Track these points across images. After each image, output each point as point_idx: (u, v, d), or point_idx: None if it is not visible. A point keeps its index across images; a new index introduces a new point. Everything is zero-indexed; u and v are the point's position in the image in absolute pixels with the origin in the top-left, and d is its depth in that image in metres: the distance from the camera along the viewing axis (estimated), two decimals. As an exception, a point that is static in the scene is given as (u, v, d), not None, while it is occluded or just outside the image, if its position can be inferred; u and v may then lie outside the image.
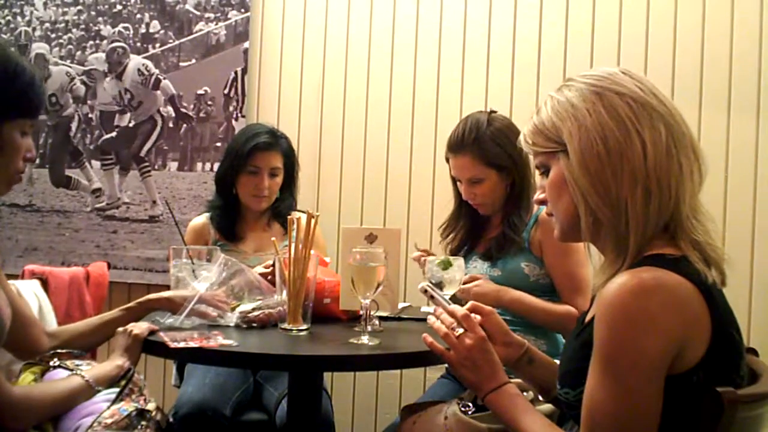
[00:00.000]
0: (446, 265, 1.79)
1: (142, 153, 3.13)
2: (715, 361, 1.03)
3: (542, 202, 1.21)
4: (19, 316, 1.50)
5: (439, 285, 1.78)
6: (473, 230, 2.15)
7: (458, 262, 1.82)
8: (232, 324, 1.68)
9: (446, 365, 2.13)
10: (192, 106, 3.07)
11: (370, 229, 1.81)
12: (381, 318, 1.74)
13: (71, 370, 1.48)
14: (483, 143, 2.01)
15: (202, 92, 3.06)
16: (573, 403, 1.11)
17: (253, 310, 1.71)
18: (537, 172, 1.23)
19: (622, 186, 1.08)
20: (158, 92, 3.11)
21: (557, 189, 1.16)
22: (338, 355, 1.50)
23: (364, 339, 1.54)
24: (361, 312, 1.61)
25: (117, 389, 1.46)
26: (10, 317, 1.37)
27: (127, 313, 1.68)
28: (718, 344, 1.03)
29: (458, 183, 2.10)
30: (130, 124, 3.15)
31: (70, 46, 3.23)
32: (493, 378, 1.21)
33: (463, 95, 2.82)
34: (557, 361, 1.28)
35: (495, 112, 2.10)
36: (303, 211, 1.77)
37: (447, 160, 2.10)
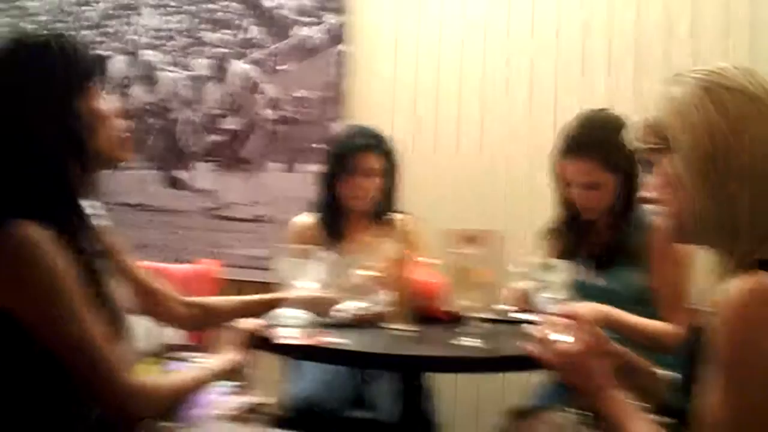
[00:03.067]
0: (550, 268, 1.77)
1: (246, 155, 3.25)
2: None
3: (648, 201, 1.18)
4: (147, 290, 1.59)
5: (543, 289, 1.76)
6: (577, 235, 2.05)
7: (563, 264, 1.79)
8: (338, 322, 1.72)
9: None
10: (292, 109, 3.15)
11: (470, 230, 1.81)
12: (483, 320, 1.75)
13: (189, 362, 1.55)
14: (605, 146, 1.87)
15: (301, 95, 3.14)
16: (683, 412, 1.09)
17: (359, 309, 1.74)
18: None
19: (729, 185, 1.05)
20: (258, 96, 3.21)
21: (664, 187, 1.13)
22: (443, 356, 1.52)
23: (467, 341, 1.55)
24: (462, 314, 1.62)
25: (232, 383, 1.52)
26: (129, 307, 1.43)
27: (259, 302, 1.74)
28: None
29: (567, 186, 1.99)
30: (233, 127, 3.26)
31: (176, 53, 3.37)
32: (599, 383, 1.19)
33: (557, 93, 2.78)
34: (661, 370, 1.25)
35: (605, 110, 1.99)
36: (406, 213, 1.79)
37: (555, 161, 2.00)
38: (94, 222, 1.35)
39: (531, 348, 1.26)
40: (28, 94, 1.23)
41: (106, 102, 1.33)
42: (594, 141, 1.89)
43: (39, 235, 1.18)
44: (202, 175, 3.34)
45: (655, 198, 1.16)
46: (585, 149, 1.90)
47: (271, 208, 3.17)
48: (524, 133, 2.82)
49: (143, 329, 1.98)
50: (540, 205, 2.28)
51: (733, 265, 1.06)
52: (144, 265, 2.00)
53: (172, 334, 2.05)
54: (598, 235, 2.01)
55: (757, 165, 1.05)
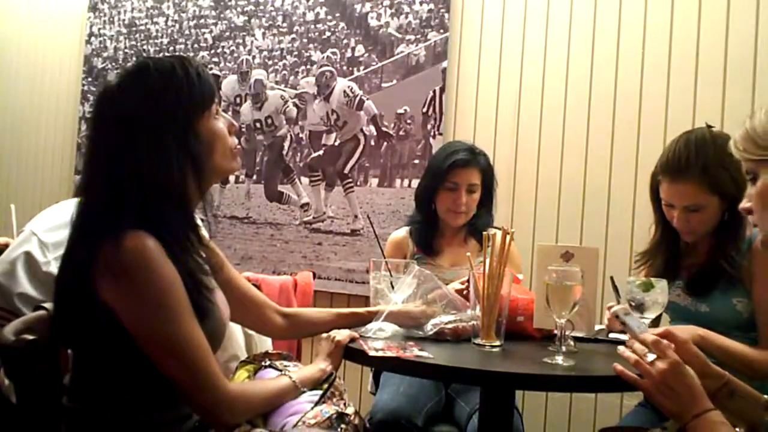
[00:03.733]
0: (647, 287, 1.70)
1: (346, 170, 3.31)
2: None
3: (748, 212, 1.15)
4: (247, 300, 1.64)
5: (640, 308, 1.69)
6: (676, 256, 1.97)
7: (661, 284, 1.71)
8: (426, 336, 1.71)
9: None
10: (392, 125, 3.19)
11: (567, 246, 1.76)
12: (576, 339, 1.69)
13: (280, 370, 1.58)
14: (710, 168, 1.78)
15: (402, 111, 3.17)
16: None
17: (448, 323, 1.73)
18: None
19: None
20: (362, 112, 3.27)
21: (764, 199, 1.11)
22: (532, 373, 1.47)
23: (559, 359, 1.50)
24: (555, 331, 1.57)
25: (320, 391, 1.53)
26: (229, 317, 1.49)
27: (352, 315, 1.77)
28: None
29: (667, 207, 1.91)
30: (336, 143, 3.34)
31: (285, 72, 3.49)
32: (693, 404, 1.14)
33: (668, 107, 2.67)
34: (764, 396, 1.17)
35: (712, 127, 1.89)
36: (499, 228, 1.77)
37: (656, 181, 1.92)
38: (203, 234, 1.42)
39: (622, 368, 1.22)
40: (155, 113, 1.31)
41: (222, 120, 1.41)
42: (697, 162, 1.80)
43: (151, 245, 1.24)
44: (304, 189, 3.43)
45: (753, 209, 1.13)
46: (687, 171, 1.81)
47: (369, 222, 3.20)
48: (630, 149, 2.73)
49: (241, 337, 2.05)
50: (640, 224, 2.20)
51: None
52: (245, 276, 2.09)
53: (267, 342, 2.11)
54: (697, 257, 1.92)
55: None
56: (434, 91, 3.10)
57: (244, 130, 3.56)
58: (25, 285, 1.80)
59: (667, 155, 1.90)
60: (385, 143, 3.21)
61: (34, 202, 4.08)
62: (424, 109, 3.12)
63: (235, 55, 3.66)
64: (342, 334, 1.64)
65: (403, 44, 3.20)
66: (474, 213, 2.38)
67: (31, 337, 1.32)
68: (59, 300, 1.34)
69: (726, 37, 2.59)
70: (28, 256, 1.83)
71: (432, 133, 3.09)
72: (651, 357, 1.18)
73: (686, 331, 1.72)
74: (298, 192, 3.42)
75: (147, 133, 1.30)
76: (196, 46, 3.80)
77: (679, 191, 1.85)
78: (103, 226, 1.26)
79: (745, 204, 1.16)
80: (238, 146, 1.47)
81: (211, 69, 3.70)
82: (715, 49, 2.61)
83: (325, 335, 1.66)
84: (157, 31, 3.95)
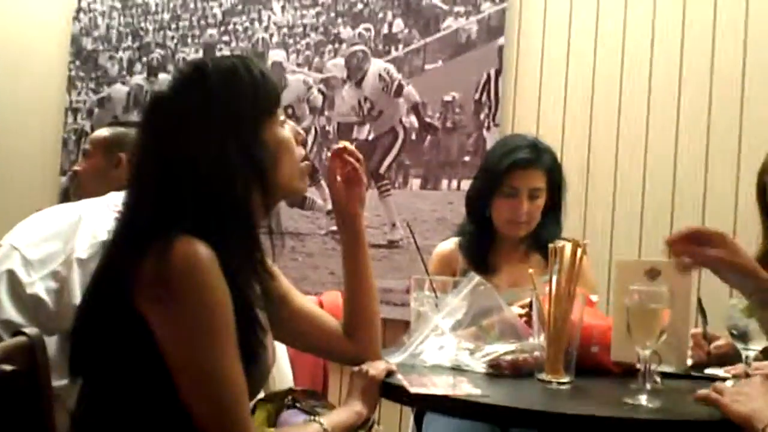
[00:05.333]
0: (752, 313, 1.68)
1: (382, 169, 3.34)
2: None
3: None
4: (318, 329, 1.69)
5: (743, 337, 1.67)
6: None
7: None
8: (479, 369, 1.71)
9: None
10: (438, 115, 3.21)
11: (652, 262, 1.75)
12: (664, 375, 1.68)
13: (308, 412, 1.59)
14: None
15: (450, 98, 3.19)
16: None
17: (505, 353, 1.72)
18: None
19: None
20: (401, 100, 3.30)
21: None
22: (609, 416, 1.46)
23: (642, 399, 1.49)
24: (638, 365, 1.55)
25: None
26: (274, 360, 1.54)
27: None
28: None
29: None
30: (370, 137, 3.37)
31: (308, 52, 3.53)
32: None
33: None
34: None
35: None
36: (568, 239, 1.77)
37: (765, 182, 1.93)
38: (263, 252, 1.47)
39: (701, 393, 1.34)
40: (216, 119, 1.40)
41: (288, 130, 1.49)
42: None
43: (205, 254, 1.29)
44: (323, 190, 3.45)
45: None
46: None
47: (408, 232, 3.21)
48: (731, 144, 2.70)
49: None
50: (743, 236, 2.16)
51: None
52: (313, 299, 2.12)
53: (287, 376, 2.13)
54: None
55: None
56: (488, 74, 3.11)
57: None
58: (8, 309, 1.84)
59: None
60: (429, 137, 3.23)
61: (12, 209, 4.17)
62: (477, 96, 3.13)
63: (249, 32, 3.71)
64: (377, 368, 1.64)
65: (451, 17, 3.22)
66: (538, 222, 2.37)
67: (10, 368, 1.35)
68: (85, 316, 1.39)
69: None
70: (11, 276, 1.87)
71: (486, 125, 3.10)
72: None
73: None
74: (324, 196, 3.45)
75: (207, 141, 1.38)
76: (202, 22, 3.87)
77: None
78: (152, 232, 1.32)
79: None
80: (307, 162, 1.55)
81: (220, 49, 3.76)
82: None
83: (356, 369, 1.67)
84: (156, 5, 4.02)
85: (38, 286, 1.84)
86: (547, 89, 3.02)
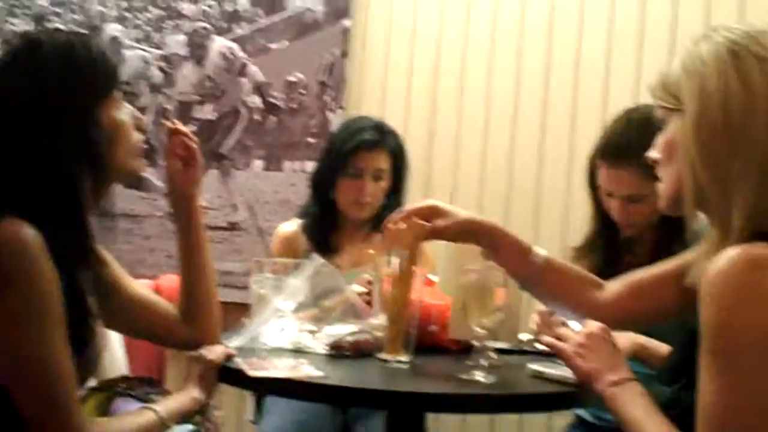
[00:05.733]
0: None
1: (223, 150, 3.26)
2: None
3: (654, 162, 1.29)
4: (154, 314, 1.65)
5: None
6: (615, 253, 2.05)
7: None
8: (320, 351, 1.70)
9: (575, 411, 2.10)
10: (282, 96, 3.17)
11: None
12: (498, 351, 1.73)
13: (142, 400, 1.56)
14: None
15: (294, 79, 3.16)
16: (669, 403, 1.18)
17: (346, 335, 1.73)
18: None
19: (734, 164, 1.13)
20: (244, 79, 3.23)
21: (668, 151, 1.24)
22: (446, 393, 1.50)
23: (478, 375, 1.53)
24: (474, 342, 1.60)
25: (191, 426, 1.52)
26: (105, 347, 1.48)
27: None
28: None
29: (606, 196, 2.00)
30: (211, 117, 3.29)
31: (148, 28, 3.40)
32: (614, 370, 1.29)
33: (609, 80, 2.77)
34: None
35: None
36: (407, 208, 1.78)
37: (594, 166, 2.00)
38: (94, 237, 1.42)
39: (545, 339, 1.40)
40: (50, 95, 1.35)
41: (126, 112, 1.45)
42: (639, 146, 1.87)
43: (32, 237, 1.24)
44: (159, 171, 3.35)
45: (657, 160, 1.27)
46: (626, 155, 1.90)
47: (252, 214, 3.18)
48: (564, 129, 2.81)
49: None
50: (574, 218, 2.27)
51: (725, 244, 1.13)
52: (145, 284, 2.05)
53: (120, 363, 2.06)
54: (638, 255, 2.00)
55: None
56: (334, 56, 3.09)
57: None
58: None
59: (606, 137, 1.99)
60: (273, 118, 3.19)
61: None
62: (322, 78, 3.11)
63: (84, 4, 3.53)
64: (215, 352, 1.61)
65: (295, -4, 3.19)
66: (381, 204, 2.40)
67: None
68: None
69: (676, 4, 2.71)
70: None
71: (331, 107, 3.09)
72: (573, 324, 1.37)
73: (626, 338, 1.79)
74: (162, 177, 3.33)
75: (38, 120, 1.33)
76: (32, -9, 3.64)
77: (620, 178, 1.93)
78: None
79: (652, 153, 1.29)
80: (143, 143, 1.51)
81: (50, 21, 3.56)
82: (661, 21, 2.72)
83: (193, 354, 1.63)
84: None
85: None
86: (393, 72, 3.04)
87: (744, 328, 1.05)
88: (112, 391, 1.63)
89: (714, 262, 1.10)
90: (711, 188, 1.15)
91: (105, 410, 1.59)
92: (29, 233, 1.24)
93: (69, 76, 1.36)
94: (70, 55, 1.38)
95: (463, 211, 1.62)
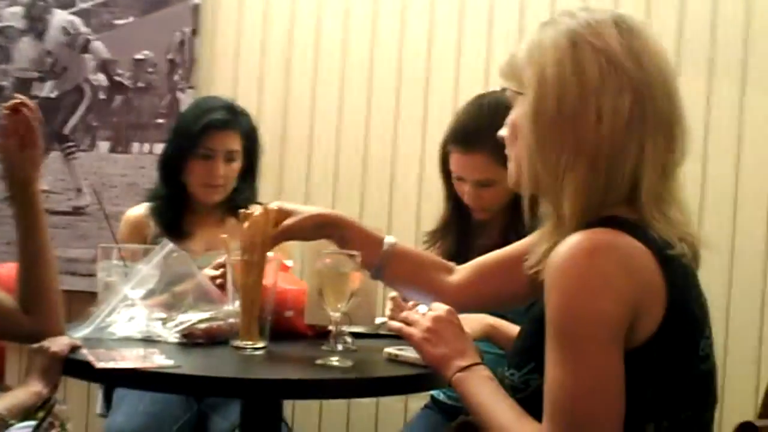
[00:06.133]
0: None
1: (66, 130, 3.14)
2: (670, 337, 1.11)
3: (503, 140, 1.31)
4: None
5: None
6: (466, 236, 2.11)
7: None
8: (172, 339, 1.67)
9: (430, 393, 2.15)
10: (128, 74, 3.08)
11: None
12: (355, 335, 1.75)
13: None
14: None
15: (142, 57, 3.07)
16: (518, 386, 1.20)
17: (199, 322, 1.70)
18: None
19: (563, 154, 1.16)
20: (87, 56, 3.12)
21: (512, 132, 1.26)
22: (302, 379, 1.50)
23: (334, 360, 1.54)
24: (330, 327, 1.61)
25: (34, 422, 1.45)
26: None
27: None
28: (673, 318, 1.11)
29: (458, 181, 2.04)
30: (52, 95, 3.16)
31: (-20, -2, 3.21)
32: (462, 355, 1.30)
33: (460, 67, 2.83)
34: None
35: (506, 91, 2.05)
36: (267, 205, 1.77)
37: (446, 151, 2.04)
38: None
39: (393, 324, 1.42)
40: None
41: None
42: (490, 131, 1.91)
43: None
44: None
45: (504, 139, 1.30)
46: (477, 140, 1.95)
47: (97, 198, 3.06)
48: (417, 112, 2.85)
49: None
50: (428, 202, 2.31)
51: (561, 232, 1.17)
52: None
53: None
54: (490, 237, 2.06)
55: (599, 141, 1.14)
56: (183, 33, 3.02)
57: None
58: None
59: (457, 123, 2.04)
60: (119, 97, 3.09)
61: None
62: (170, 56, 3.04)
63: None
64: (59, 344, 1.55)
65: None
66: (233, 186, 2.37)
67: None
68: None
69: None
70: None
71: (180, 86, 3.03)
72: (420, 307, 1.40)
73: (477, 320, 1.85)
74: None
75: None
76: None
77: (470, 163, 1.98)
78: None
79: (501, 132, 1.31)
80: None
81: None
82: (511, 7, 2.79)
83: (35, 346, 1.57)
84: None
85: None
86: (246, 52, 3.00)
87: (587, 313, 1.08)
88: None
89: (558, 248, 1.12)
90: (544, 175, 1.18)
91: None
92: None
93: None
94: None
95: (308, 207, 1.64)
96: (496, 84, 2.12)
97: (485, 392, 1.24)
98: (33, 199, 1.61)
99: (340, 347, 1.59)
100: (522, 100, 1.22)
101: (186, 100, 2.93)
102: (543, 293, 1.14)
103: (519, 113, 1.23)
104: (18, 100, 1.58)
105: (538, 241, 1.27)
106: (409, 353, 1.53)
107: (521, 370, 1.19)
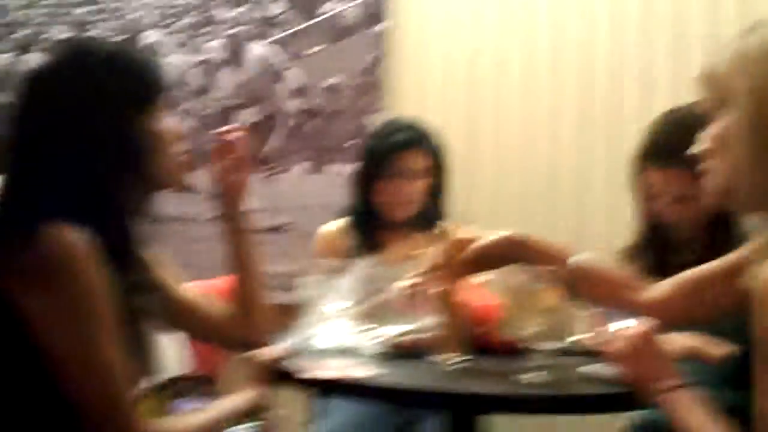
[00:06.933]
0: None
1: (265, 154, 3.27)
2: None
3: (701, 156, 1.25)
4: (201, 315, 1.66)
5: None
6: (663, 254, 2.03)
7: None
8: (372, 351, 1.70)
9: (634, 412, 2.07)
10: (321, 99, 3.19)
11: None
12: (551, 352, 1.72)
13: (199, 400, 1.57)
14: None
15: (333, 83, 3.17)
16: (731, 408, 1.16)
17: (403, 334, 1.73)
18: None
19: None
20: (282, 84, 3.24)
21: (716, 145, 1.20)
22: (505, 394, 1.50)
23: (530, 376, 1.53)
24: (523, 344, 1.60)
25: (248, 425, 1.56)
26: (158, 348, 1.51)
27: None
28: None
29: (653, 198, 1.97)
30: (251, 121, 3.28)
31: (185, 34, 3.41)
32: (666, 375, 1.26)
33: (650, 84, 2.75)
34: None
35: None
36: (457, 221, 1.79)
37: (639, 167, 1.99)
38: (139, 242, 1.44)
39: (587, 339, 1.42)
40: (92, 104, 1.36)
41: (168, 122, 1.46)
42: (684, 145, 1.86)
43: (80, 242, 1.26)
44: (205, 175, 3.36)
45: (704, 154, 1.24)
46: (674, 156, 1.86)
47: (294, 216, 3.20)
48: (603, 132, 2.79)
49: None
50: (619, 218, 2.25)
51: None
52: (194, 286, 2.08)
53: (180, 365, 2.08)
54: (689, 255, 1.98)
55: None
56: (371, 59, 3.10)
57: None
58: None
59: (651, 138, 1.97)
60: (312, 121, 3.19)
61: None
62: (358, 81, 3.12)
63: (121, 11, 3.56)
64: (268, 353, 1.62)
65: (331, 1, 3.18)
66: (422, 203, 2.40)
67: None
68: None
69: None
70: None
71: (369, 109, 3.10)
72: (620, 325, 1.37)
73: (676, 339, 1.77)
74: (208, 180, 3.33)
75: (81, 125, 1.34)
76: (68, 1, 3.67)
77: (667, 179, 1.91)
78: (23, 219, 1.28)
79: (698, 147, 1.26)
80: (185, 153, 1.52)
81: (87, 30, 3.59)
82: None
83: (246, 355, 1.64)
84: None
85: None
86: (429, 74, 3.04)
87: None
88: (170, 391, 1.64)
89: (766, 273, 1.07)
90: (765, 192, 1.14)
91: (162, 411, 1.61)
92: (78, 237, 1.26)
93: (113, 85, 1.38)
94: (114, 64, 1.40)
95: (491, 233, 1.64)
96: (685, 94, 2.05)
97: (695, 415, 1.20)
98: (242, 217, 1.71)
99: (534, 363, 1.57)
100: (728, 112, 1.17)
101: (374, 123, 3.00)
102: (751, 310, 1.09)
103: (727, 126, 1.18)
104: (230, 126, 1.67)
105: (755, 257, 1.21)
106: (605, 371, 1.49)
107: (737, 392, 1.15)
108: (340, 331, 1.76)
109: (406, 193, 2.37)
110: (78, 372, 1.27)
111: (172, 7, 3.46)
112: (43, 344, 1.26)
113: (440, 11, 3.04)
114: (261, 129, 3.29)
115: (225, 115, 3.34)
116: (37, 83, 1.39)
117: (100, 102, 1.36)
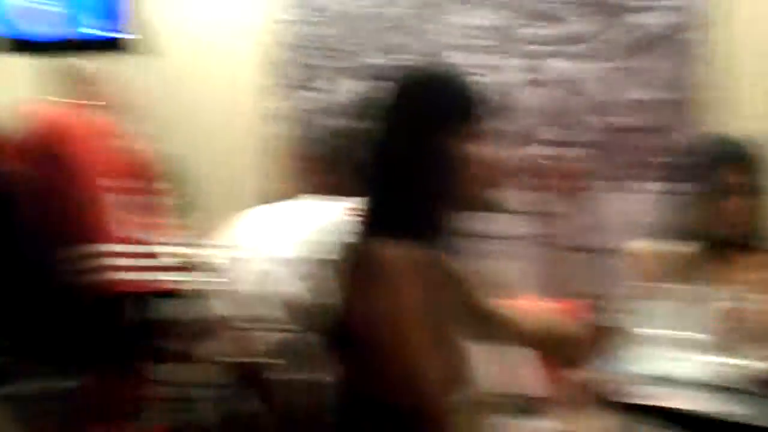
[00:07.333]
0: None
1: (571, 172, 3.11)
2: None
3: None
4: (505, 328, 1.67)
5: None
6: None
7: None
8: (731, 385, 1.64)
9: None
10: (624, 115, 3.15)
11: None
12: None
13: (540, 419, 1.60)
14: None
15: (636, 98, 3.13)
16: None
17: (739, 368, 1.66)
18: None
19: None
20: (583, 98, 3.23)
21: None
22: None
23: None
24: None
25: None
26: (468, 360, 1.53)
27: None
28: None
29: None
30: (554, 138, 3.25)
31: (486, 54, 3.49)
32: None
33: None
34: None
35: None
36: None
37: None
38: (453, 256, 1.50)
39: None
40: (436, 129, 1.45)
41: (481, 145, 1.49)
42: None
43: (409, 256, 1.35)
44: (518, 194, 3.40)
45: None
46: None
47: (602, 235, 3.13)
48: None
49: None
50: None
51: None
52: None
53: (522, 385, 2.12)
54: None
55: None
56: (681, 70, 3.04)
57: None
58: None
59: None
60: (617, 137, 3.15)
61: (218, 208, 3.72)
62: (667, 95, 3.07)
63: (429, 35, 3.68)
64: (603, 379, 1.65)
65: (635, 12, 3.14)
66: (751, 220, 2.29)
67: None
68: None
69: None
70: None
71: (680, 125, 3.04)
72: None
73: None
74: (526, 200, 3.30)
75: (427, 151, 1.43)
76: (381, 26, 3.83)
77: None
78: (377, 232, 1.39)
79: None
80: (497, 175, 1.54)
81: (397, 54, 3.73)
82: None
83: (581, 378, 1.68)
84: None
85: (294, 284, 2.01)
86: (747, 85, 2.91)
87: None
88: (506, 407, 1.68)
89: None
90: None
91: (478, 424, 1.65)
92: (409, 254, 1.34)
93: (450, 109, 1.45)
94: (450, 90, 1.48)
95: None
96: None
97: None
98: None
99: None
100: None
101: (687, 138, 2.92)
102: None
103: None
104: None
105: None
106: None
107: None
108: (686, 360, 1.72)
109: (729, 211, 2.27)
110: (397, 369, 1.34)
111: (474, 27, 3.55)
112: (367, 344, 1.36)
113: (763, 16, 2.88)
114: (565, 146, 3.27)
115: (528, 133, 3.38)
116: (384, 114, 1.48)
117: (438, 128, 1.43)
